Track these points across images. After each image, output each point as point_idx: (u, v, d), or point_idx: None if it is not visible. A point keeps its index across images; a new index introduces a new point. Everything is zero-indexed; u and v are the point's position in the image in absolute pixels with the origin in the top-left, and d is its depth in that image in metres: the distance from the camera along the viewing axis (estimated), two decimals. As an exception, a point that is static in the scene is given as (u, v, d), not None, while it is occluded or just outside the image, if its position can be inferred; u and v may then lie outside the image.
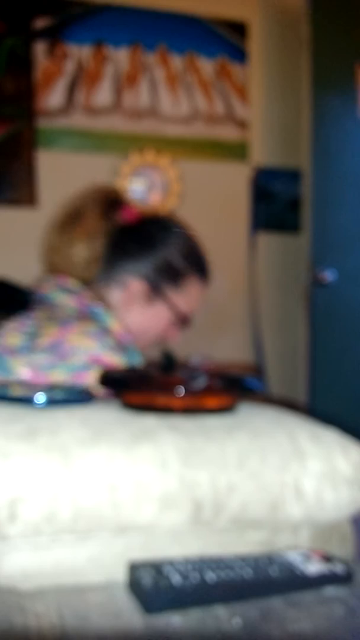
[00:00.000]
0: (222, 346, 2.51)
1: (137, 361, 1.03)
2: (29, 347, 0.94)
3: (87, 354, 0.92)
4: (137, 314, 1.17)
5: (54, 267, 1.18)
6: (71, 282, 1.13)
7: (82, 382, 0.89)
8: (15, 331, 0.97)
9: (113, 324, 1.09)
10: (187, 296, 1.21)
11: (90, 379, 0.90)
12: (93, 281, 1.15)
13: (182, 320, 1.21)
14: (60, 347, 0.92)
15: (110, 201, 1.22)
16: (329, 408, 2.23)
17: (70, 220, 1.18)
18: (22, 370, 0.90)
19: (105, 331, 1.01)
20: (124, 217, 1.19)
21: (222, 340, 2.52)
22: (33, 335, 0.96)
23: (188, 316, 1.22)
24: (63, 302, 1.08)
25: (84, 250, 1.14)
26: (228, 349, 2.53)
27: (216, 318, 2.55)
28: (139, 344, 1.17)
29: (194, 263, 1.22)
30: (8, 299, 1.11)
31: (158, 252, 1.18)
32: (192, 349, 2.26)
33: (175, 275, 1.19)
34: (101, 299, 1.14)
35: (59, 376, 0.90)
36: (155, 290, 1.17)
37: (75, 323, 0.98)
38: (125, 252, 1.17)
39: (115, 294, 1.16)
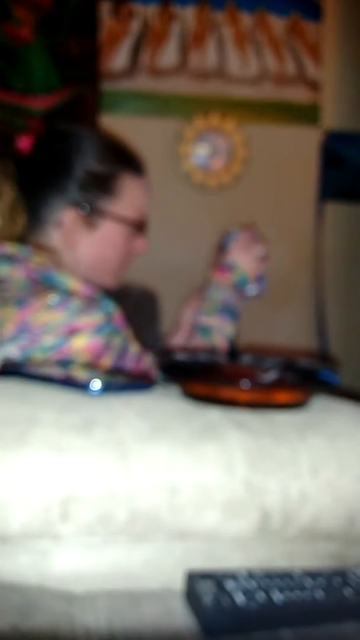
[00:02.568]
0: (283, 322, 2.41)
1: (112, 308, 0.92)
2: None
3: (58, 328, 0.85)
4: (86, 247, 1.04)
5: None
6: (10, 248, 0.99)
7: (67, 356, 0.84)
8: None
9: (71, 283, 0.95)
10: (128, 199, 1.06)
11: (73, 349, 0.84)
12: (26, 234, 1.04)
13: (138, 227, 1.08)
14: (27, 330, 0.85)
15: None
16: None
17: None
18: None
19: (66, 296, 0.90)
20: (19, 148, 1.06)
21: (284, 316, 2.42)
22: None
23: (141, 220, 1.09)
24: (10, 274, 0.95)
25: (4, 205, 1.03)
26: (290, 325, 2.44)
27: (278, 292, 2.45)
28: (109, 278, 1.08)
29: (117, 161, 1.07)
30: None
31: (72, 169, 1.03)
32: (252, 325, 2.18)
33: (102, 184, 1.04)
34: (42, 248, 1.02)
35: (38, 359, 0.84)
36: (91, 212, 1.04)
37: (32, 298, 0.88)
38: (38, 186, 1.04)
39: (54, 237, 1.04)
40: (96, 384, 0.65)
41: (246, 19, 2.44)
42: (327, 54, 2.49)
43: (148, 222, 1.13)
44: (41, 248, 1.02)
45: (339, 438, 0.60)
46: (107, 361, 0.88)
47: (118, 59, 2.34)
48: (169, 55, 2.38)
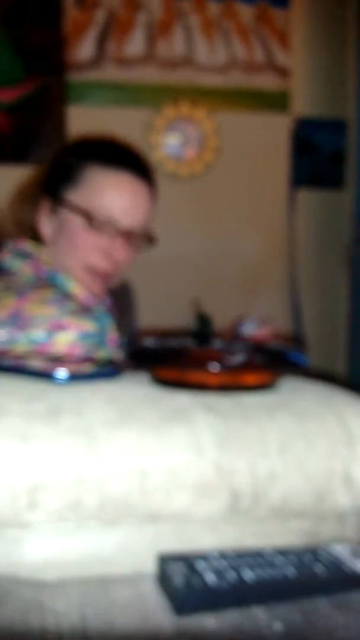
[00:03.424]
0: (257, 308, 2.42)
1: (106, 322, 0.95)
2: None
3: (47, 322, 0.85)
4: (51, 235, 1.08)
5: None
6: (28, 245, 1.05)
7: (47, 352, 0.84)
8: None
9: (74, 287, 1.00)
10: (88, 189, 1.05)
11: (56, 346, 0.84)
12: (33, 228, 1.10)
13: (92, 219, 1.04)
14: (19, 318, 0.86)
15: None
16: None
17: None
18: None
19: (65, 296, 0.93)
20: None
21: (258, 302, 2.43)
22: None
23: (100, 213, 1.04)
24: (20, 269, 1.01)
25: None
26: (264, 311, 2.45)
27: (252, 278, 2.47)
28: (80, 276, 1.06)
29: (85, 152, 1.08)
30: None
31: (53, 162, 1.11)
32: (227, 311, 2.18)
33: (66, 172, 1.06)
34: (42, 241, 1.08)
35: (22, 348, 0.84)
36: (55, 198, 1.06)
37: (32, 291, 0.91)
38: (40, 181, 1.12)
39: (40, 227, 1.09)
40: (62, 373, 0.65)
41: (213, 7, 2.43)
42: (295, 41, 2.49)
43: (132, 232, 1.08)
44: (39, 237, 1.08)
45: (307, 417, 0.61)
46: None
47: (84, 49, 2.32)
48: (135, 44, 2.37)
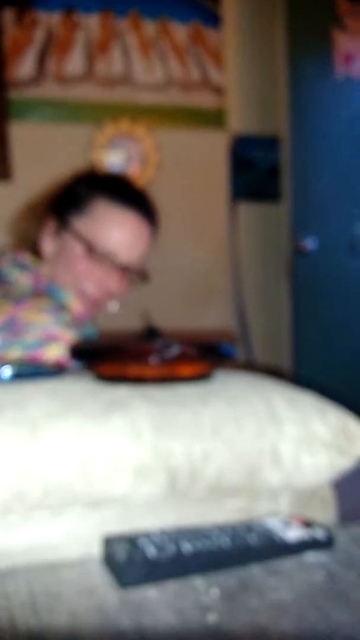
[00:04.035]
0: (204, 317, 2.49)
1: (93, 337, 1.01)
2: None
3: (41, 330, 0.88)
4: (51, 253, 1.13)
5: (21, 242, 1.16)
6: (29, 258, 1.10)
7: (38, 359, 0.86)
8: None
9: (70, 300, 1.05)
10: (92, 220, 1.10)
11: (46, 355, 0.86)
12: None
13: (92, 250, 1.09)
14: (14, 325, 0.88)
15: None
16: (312, 375, 2.23)
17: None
18: None
19: (61, 307, 0.97)
20: None
21: (205, 311, 2.50)
22: None
23: (100, 245, 1.09)
24: (18, 279, 1.05)
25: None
26: (210, 320, 2.51)
27: (198, 290, 2.53)
28: (84, 303, 1.11)
29: (97, 186, 1.15)
30: None
31: (69, 188, 1.16)
32: (174, 322, 2.23)
33: (75, 199, 1.13)
34: (42, 256, 1.13)
35: (15, 354, 0.86)
36: (61, 221, 1.13)
37: (29, 299, 0.95)
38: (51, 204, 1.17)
39: (42, 244, 1.15)
40: (6, 371, 0.67)
41: (149, 27, 2.50)
42: (229, 60, 2.59)
43: (130, 269, 1.13)
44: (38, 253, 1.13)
45: (237, 401, 0.65)
46: None
47: (24, 66, 2.35)
48: (75, 62, 2.41)
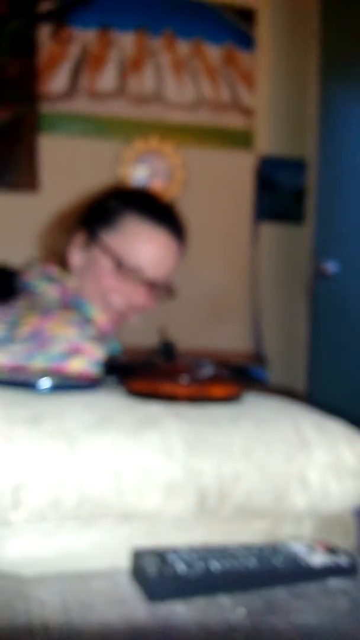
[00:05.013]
0: (221, 337, 2.50)
1: (116, 352, 1.02)
2: (9, 338, 0.91)
3: (66, 342, 0.88)
4: (78, 267, 1.14)
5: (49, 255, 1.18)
6: (56, 271, 1.11)
7: (62, 371, 0.88)
8: None
9: (96, 314, 1.07)
10: (123, 235, 1.11)
11: (70, 368, 0.87)
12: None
13: (121, 265, 1.10)
14: (39, 336, 0.89)
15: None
16: (327, 399, 2.23)
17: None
18: (2, 362, 0.88)
19: (86, 320, 0.98)
20: None
21: (222, 331, 2.51)
22: (14, 325, 0.92)
23: (129, 261, 1.10)
24: (45, 291, 1.06)
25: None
26: (228, 339, 2.52)
27: (216, 308, 2.54)
28: (109, 318, 1.12)
29: (129, 202, 1.15)
30: (6, 287, 1.09)
31: (100, 202, 1.16)
32: (191, 338, 2.24)
33: (106, 214, 1.13)
34: (69, 269, 1.15)
35: (39, 365, 0.87)
36: (91, 234, 1.13)
37: (56, 312, 0.96)
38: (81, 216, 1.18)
39: (70, 256, 1.16)
40: (45, 383, 0.69)
41: (183, 46, 2.55)
42: (260, 82, 2.63)
43: (158, 285, 1.15)
44: (69, 268, 1.14)
45: (267, 424, 0.67)
46: None
47: (57, 81, 2.40)
48: (107, 79, 2.46)
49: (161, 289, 1.18)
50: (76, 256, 1.14)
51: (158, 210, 1.17)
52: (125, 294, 1.13)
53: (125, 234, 1.12)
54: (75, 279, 1.13)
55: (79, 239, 1.14)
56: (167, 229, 1.15)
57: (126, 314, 1.16)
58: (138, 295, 1.13)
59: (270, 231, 2.63)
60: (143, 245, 1.12)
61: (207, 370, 0.70)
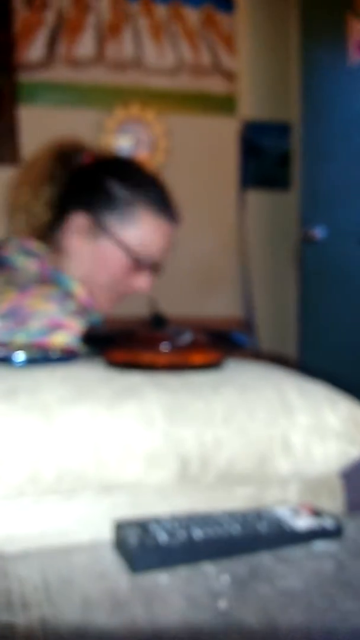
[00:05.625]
0: (211, 304, 2.49)
1: (98, 324, 1.00)
2: None
3: (46, 318, 0.87)
4: (82, 255, 1.09)
5: (17, 228, 1.12)
6: (35, 245, 1.08)
7: (43, 347, 0.86)
8: None
9: (76, 288, 1.04)
10: (138, 230, 1.09)
11: (51, 343, 0.86)
12: (49, 232, 1.11)
13: (137, 261, 1.10)
14: (18, 313, 0.88)
15: (67, 149, 1.15)
16: (318, 364, 2.23)
17: (23, 172, 1.14)
18: None
19: (66, 295, 0.96)
20: (82, 161, 1.14)
21: (212, 298, 2.50)
22: None
23: (145, 257, 1.10)
24: (24, 265, 1.03)
25: (30, 196, 1.10)
26: (218, 307, 2.51)
27: (206, 276, 2.53)
28: (99, 299, 1.10)
29: (144, 194, 1.11)
30: None
31: (102, 185, 1.10)
32: (181, 308, 2.22)
33: (119, 205, 1.08)
34: (59, 248, 1.09)
35: (20, 342, 0.86)
36: (98, 222, 1.08)
37: (34, 287, 0.94)
38: (72, 192, 1.10)
39: (66, 238, 1.10)
40: (20, 356, 0.68)
41: (161, 10, 2.48)
42: (241, 45, 2.57)
43: (158, 267, 1.15)
44: (58, 248, 1.09)
45: (249, 390, 0.65)
46: None
47: (34, 50, 2.33)
48: (85, 46, 2.39)
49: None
50: (76, 242, 1.09)
51: (168, 202, 1.15)
52: (132, 282, 1.13)
53: (139, 229, 1.09)
54: (74, 265, 1.09)
55: (79, 223, 1.08)
56: (173, 220, 1.15)
57: (125, 295, 1.17)
58: (144, 282, 1.14)
59: (257, 198, 2.60)
60: (156, 239, 1.12)
61: (187, 338, 0.69)
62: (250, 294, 2.57)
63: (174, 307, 1.82)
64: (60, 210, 1.10)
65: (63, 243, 1.10)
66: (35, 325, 0.87)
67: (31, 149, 2.26)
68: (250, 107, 2.57)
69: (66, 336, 0.87)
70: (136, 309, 1.32)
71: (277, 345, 2.59)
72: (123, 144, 2.45)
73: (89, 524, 0.61)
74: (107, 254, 1.09)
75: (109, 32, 2.42)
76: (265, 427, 0.63)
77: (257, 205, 2.61)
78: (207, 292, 2.49)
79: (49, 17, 2.36)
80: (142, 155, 2.47)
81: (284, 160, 2.61)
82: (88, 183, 1.11)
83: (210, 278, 2.52)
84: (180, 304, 2.26)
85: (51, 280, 1.03)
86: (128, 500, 0.62)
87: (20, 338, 0.86)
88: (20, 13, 2.32)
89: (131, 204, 1.09)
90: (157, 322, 1.37)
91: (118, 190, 1.09)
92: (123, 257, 1.09)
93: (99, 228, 1.08)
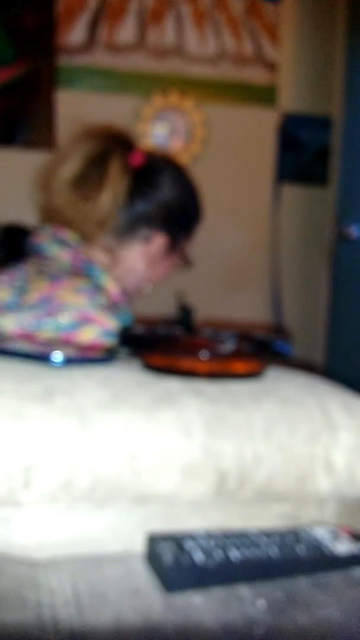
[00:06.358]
0: (240, 302, 2.45)
1: (128, 321, 0.98)
2: (18, 303, 0.88)
3: (76, 311, 0.85)
4: (141, 268, 1.11)
5: (62, 220, 1.07)
6: (70, 235, 1.05)
7: (72, 341, 0.84)
8: (4, 284, 0.91)
9: (107, 282, 1.02)
10: (191, 240, 1.16)
11: (80, 337, 0.84)
12: (106, 234, 1.07)
13: (185, 264, 1.18)
14: (48, 303, 0.86)
15: (126, 144, 1.13)
16: (346, 370, 2.19)
17: (94, 169, 1.06)
18: (10, 329, 0.85)
19: (97, 289, 0.94)
20: (134, 161, 1.08)
21: (241, 295, 2.46)
22: (22, 290, 0.90)
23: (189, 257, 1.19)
24: (57, 255, 1.01)
25: (108, 201, 1.04)
26: (246, 304, 2.48)
27: (235, 272, 2.49)
28: (135, 292, 1.14)
29: (199, 208, 1.16)
30: (16, 247, 1.05)
31: (174, 201, 1.10)
32: (209, 306, 2.20)
33: (187, 223, 1.15)
34: (110, 252, 1.07)
35: (48, 334, 0.84)
36: (173, 243, 1.12)
37: (66, 278, 0.92)
38: (140, 201, 1.07)
39: (133, 251, 1.09)
40: (58, 356, 0.66)
41: (205, -2, 2.43)
42: (284, 36, 2.50)
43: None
44: (109, 252, 1.08)
45: (290, 403, 0.63)
46: None
47: (75, 34, 2.30)
48: (127, 31, 2.36)
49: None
50: (141, 258, 1.11)
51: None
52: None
53: (192, 238, 1.17)
54: (123, 274, 1.09)
55: (159, 245, 1.10)
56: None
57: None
58: (167, 270, 1.17)
59: (292, 192, 2.54)
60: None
61: (229, 345, 0.66)
62: (280, 295, 2.52)
63: (201, 304, 1.79)
64: (129, 218, 1.07)
65: (123, 253, 1.08)
66: (65, 318, 0.85)
67: (67, 134, 2.25)
68: (291, 99, 2.51)
69: (95, 331, 0.85)
70: (163, 306, 1.31)
71: (303, 347, 2.54)
72: (159, 131, 2.42)
73: (121, 534, 0.60)
74: (170, 267, 1.15)
75: (151, 18, 2.38)
76: (306, 444, 0.60)
77: (292, 199, 2.56)
78: (236, 291, 2.45)
79: (92, 0, 2.32)
80: (177, 144, 2.43)
81: (322, 155, 2.54)
82: (158, 198, 1.09)
83: (240, 276, 2.48)
84: (208, 302, 2.23)
85: (83, 272, 1.01)
86: (162, 512, 0.60)
87: (49, 329, 0.84)
88: (63, -4, 2.28)
89: (194, 220, 1.15)
90: (185, 318, 1.36)
91: (190, 209, 1.14)
92: (176, 261, 1.15)
93: (173, 248, 1.12)
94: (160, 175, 1.10)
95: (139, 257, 1.09)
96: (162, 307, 2.21)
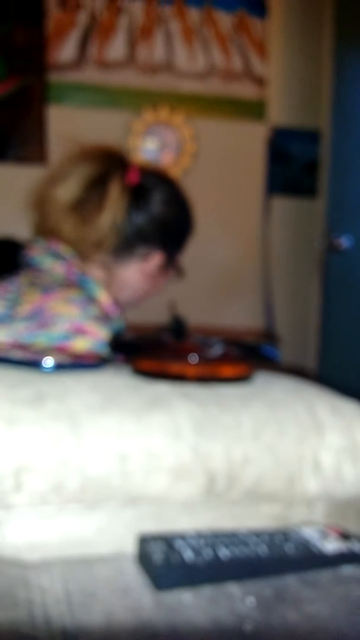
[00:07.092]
0: (232, 312, 2.47)
1: (120, 331, 1.00)
2: (10, 316, 0.88)
3: (68, 322, 0.86)
4: (138, 283, 1.14)
5: (58, 235, 1.08)
6: (63, 248, 1.05)
7: (64, 352, 0.85)
8: None
9: (100, 294, 1.03)
10: (183, 251, 1.19)
11: (74, 348, 0.85)
12: (103, 251, 1.08)
13: (178, 275, 1.21)
14: (41, 315, 0.87)
15: (122, 163, 1.13)
16: (338, 377, 2.20)
17: (94, 193, 1.06)
18: (2, 340, 0.85)
19: (89, 300, 0.95)
20: (130, 180, 1.09)
21: (233, 305, 2.48)
22: (15, 302, 0.90)
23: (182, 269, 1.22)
24: (51, 267, 1.02)
25: (107, 223, 1.04)
26: (238, 314, 2.49)
27: (227, 283, 2.51)
28: (130, 305, 1.16)
29: (191, 223, 1.18)
30: (10, 261, 1.06)
31: (169, 217, 1.12)
32: (201, 315, 2.21)
33: (182, 239, 1.17)
34: (107, 268, 1.09)
35: (41, 346, 0.85)
36: (170, 260, 1.15)
37: (58, 289, 0.92)
38: (136, 219, 1.08)
39: (130, 270, 1.11)
40: (49, 362, 0.67)
41: (193, 14, 2.47)
42: (272, 51, 2.55)
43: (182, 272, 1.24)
44: (105, 267, 1.09)
45: (279, 405, 0.64)
46: None
47: (65, 50, 2.34)
48: (117, 48, 2.39)
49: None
50: (139, 276, 1.13)
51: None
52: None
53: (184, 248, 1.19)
54: (120, 291, 1.11)
55: (157, 263, 1.13)
56: None
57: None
58: (162, 284, 1.20)
59: (282, 205, 2.57)
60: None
61: (217, 350, 0.67)
62: (272, 303, 2.54)
63: (194, 313, 1.80)
64: (131, 240, 1.08)
65: (120, 271, 1.10)
66: (57, 329, 0.86)
67: (59, 149, 2.27)
68: (279, 113, 2.55)
69: (88, 342, 0.86)
70: (156, 316, 1.32)
71: (296, 355, 2.56)
72: (149, 146, 2.45)
73: (111, 535, 0.60)
74: (160, 282, 1.17)
75: (140, 34, 2.42)
76: (295, 446, 0.61)
77: (282, 212, 2.59)
78: (227, 300, 2.47)
79: (82, 18, 2.36)
80: (168, 158, 2.46)
81: (311, 167, 2.58)
82: (156, 217, 1.10)
83: (231, 285, 2.50)
84: (201, 311, 2.24)
85: (77, 284, 1.02)
86: (152, 513, 0.61)
87: (42, 341, 0.85)
88: (53, 13, 2.32)
89: (187, 235, 1.17)
90: (177, 328, 1.38)
91: (185, 226, 1.16)
92: (171, 274, 1.18)
93: (169, 264, 1.15)
94: (155, 192, 1.11)
95: (136, 274, 1.11)
96: (155, 316, 2.22)
